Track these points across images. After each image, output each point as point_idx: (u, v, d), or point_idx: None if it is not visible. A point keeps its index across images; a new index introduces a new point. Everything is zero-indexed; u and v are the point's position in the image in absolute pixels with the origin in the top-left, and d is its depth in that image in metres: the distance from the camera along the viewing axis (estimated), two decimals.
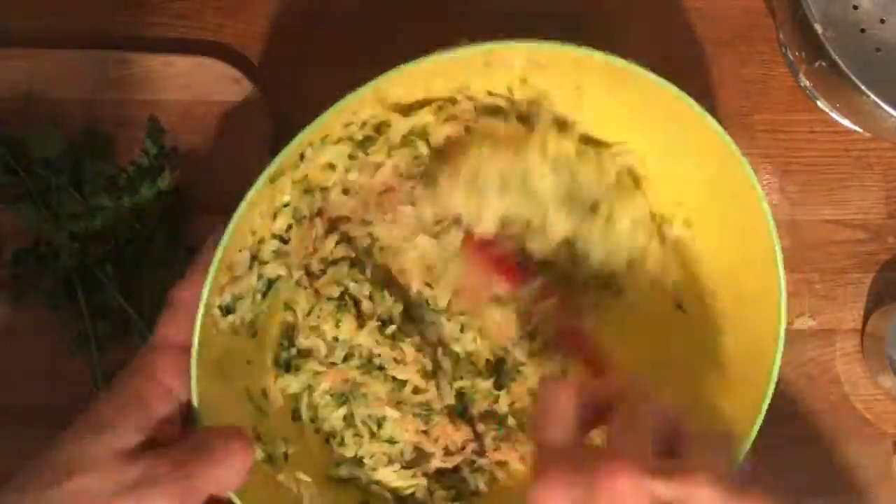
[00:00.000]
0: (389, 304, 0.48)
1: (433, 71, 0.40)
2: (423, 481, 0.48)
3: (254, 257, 0.43)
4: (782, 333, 0.41)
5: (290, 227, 0.45)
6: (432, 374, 0.49)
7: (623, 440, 0.33)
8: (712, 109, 0.58)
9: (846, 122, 0.58)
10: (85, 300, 0.50)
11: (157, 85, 0.54)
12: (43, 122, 0.52)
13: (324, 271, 0.47)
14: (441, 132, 0.46)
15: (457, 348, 0.50)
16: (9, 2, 0.56)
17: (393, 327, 0.48)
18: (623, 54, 0.41)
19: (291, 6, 0.58)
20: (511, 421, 0.50)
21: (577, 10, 0.58)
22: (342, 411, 0.47)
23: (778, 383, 0.40)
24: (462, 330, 0.50)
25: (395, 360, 0.48)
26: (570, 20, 0.58)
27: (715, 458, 0.32)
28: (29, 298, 0.51)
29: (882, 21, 0.58)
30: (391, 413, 0.47)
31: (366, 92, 0.37)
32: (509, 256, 0.46)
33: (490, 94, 0.45)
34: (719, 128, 0.41)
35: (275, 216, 0.44)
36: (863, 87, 0.49)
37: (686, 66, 0.58)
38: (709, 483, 0.30)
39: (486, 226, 0.45)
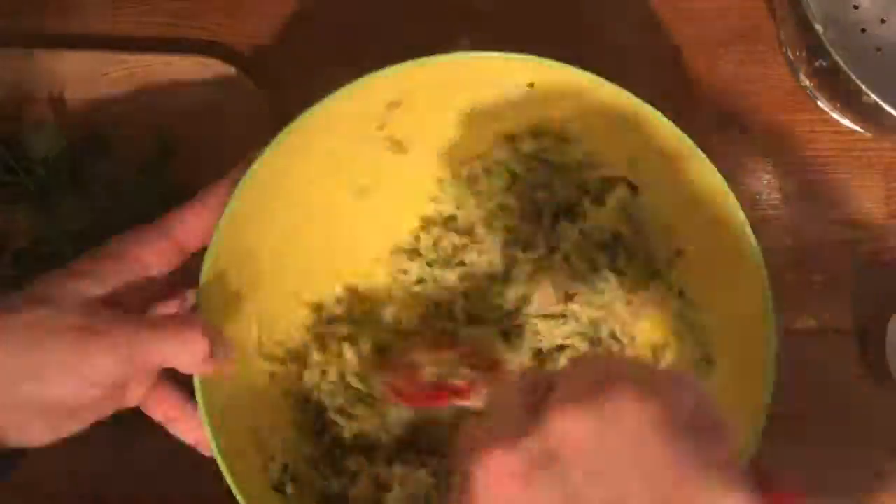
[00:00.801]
0: None
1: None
2: None
3: None
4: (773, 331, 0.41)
5: None
6: None
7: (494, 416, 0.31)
8: (712, 110, 0.58)
9: (846, 122, 0.58)
10: None
11: (157, 85, 0.54)
12: (43, 122, 0.52)
13: None
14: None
15: None
16: (9, 2, 0.56)
17: None
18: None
19: (291, 6, 0.58)
20: None
21: (576, 10, 0.58)
22: None
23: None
24: None
25: None
26: (567, 19, 0.58)
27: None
28: None
29: (882, 21, 0.58)
30: None
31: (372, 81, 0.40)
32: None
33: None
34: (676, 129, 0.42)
35: None
36: (863, 87, 0.49)
37: (686, 67, 0.58)
38: (564, 409, 0.27)
39: None
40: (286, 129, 0.41)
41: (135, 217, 0.51)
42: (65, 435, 0.37)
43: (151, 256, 0.39)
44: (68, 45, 0.55)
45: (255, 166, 0.41)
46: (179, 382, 0.41)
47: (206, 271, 0.40)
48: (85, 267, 0.38)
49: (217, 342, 0.38)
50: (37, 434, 0.36)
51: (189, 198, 0.51)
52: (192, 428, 0.40)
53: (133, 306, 0.39)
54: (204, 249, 0.41)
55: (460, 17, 0.58)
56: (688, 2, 0.59)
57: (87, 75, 0.54)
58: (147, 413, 0.41)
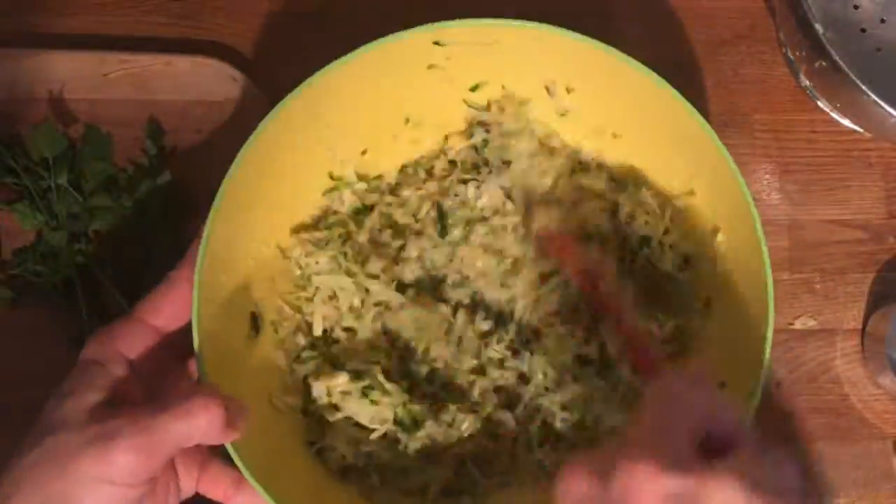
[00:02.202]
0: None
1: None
2: None
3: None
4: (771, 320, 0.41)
5: None
6: None
7: (646, 435, 0.33)
8: (712, 109, 0.58)
9: (846, 122, 0.58)
10: (85, 300, 0.50)
11: (157, 85, 0.54)
12: (43, 122, 0.52)
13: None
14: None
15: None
16: (9, 2, 0.56)
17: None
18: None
19: (291, 6, 0.58)
20: None
21: (577, 10, 0.58)
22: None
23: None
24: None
25: None
26: (569, 19, 0.58)
27: (750, 462, 0.32)
28: (29, 298, 0.51)
29: (882, 21, 0.58)
30: None
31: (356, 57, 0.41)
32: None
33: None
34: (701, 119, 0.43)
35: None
36: (863, 87, 0.49)
37: (686, 67, 0.58)
38: (725, 482, 0.30)
39: None
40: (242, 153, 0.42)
41: (135, 217, 0.51)
42: None
43: (135, 352, 0.40)
44: (68, 45, 0.55)
45: (222, 197, 0.41)
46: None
47: (197, 338, 0.40)
48: (76, 384, 0.38)
49: (231, 406, 0.38)
50: None
51: (189, 198, 0.52)
52: (253, 499, 0.40)
53: (129, 394, 0.39)
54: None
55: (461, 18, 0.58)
56: (688, 2, 0.59)
57: (87, 75, 0.54)
58: (208, 496, 0.41)
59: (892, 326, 0.53)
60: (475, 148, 0.50)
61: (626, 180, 0.50)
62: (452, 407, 0.46)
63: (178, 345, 0.41)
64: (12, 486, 0.35)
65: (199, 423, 0.36)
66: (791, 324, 0.56)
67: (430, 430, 0.46)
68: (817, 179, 0.58)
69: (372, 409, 0.45)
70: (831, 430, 0.55)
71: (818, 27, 0.50)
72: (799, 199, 0.58)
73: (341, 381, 0.45)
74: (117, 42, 0.56)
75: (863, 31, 0.58)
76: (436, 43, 0.43)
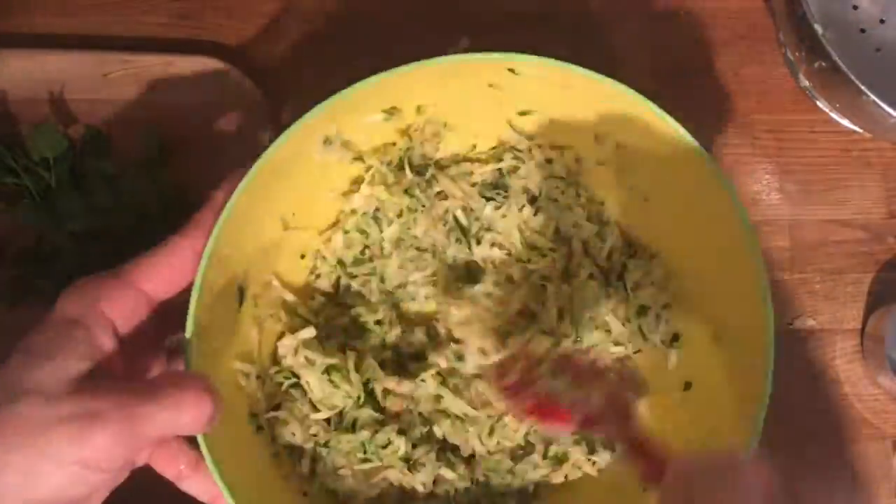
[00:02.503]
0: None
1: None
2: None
3: None
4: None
5: None
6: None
7: None
8: (712, 110, 0.58)
9: (846, 122, 0.58)
10: None
11: (158, 85, 0.54)
12: (43, 122, 0.52)
13: None
14: None
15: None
16: (9, 2, 0.56)
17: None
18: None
19: (291, 6, 0.58)
20: None
21: (577, 10, 0.58)
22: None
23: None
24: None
25: None
26: (569, 19, 0.58)
27: None
28: (29, 298, 0.51)
29: (882, 21, 0.58)
30: None
31: (369, 85, 0.39)
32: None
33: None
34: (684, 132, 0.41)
35: None
36: (862, 88, 0.49)
37: (686, 67, 0.58)
38: None
39: None
40: (272, 148, 0.40)
41: (135, 217, 0.51)
42: None
43: (120, 316, 0.36)
44: (68, 45, 0.55)
45: (241, 187, 0.39)
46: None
47: (193, 313, 0.37)
48: (55, 346, 0.34)
49: (215, 398, 0.35)
50: None
51: (189, 198, 0.52)
52: (205, 484, 0.38)
53: (110, 365, 0.35)
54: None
55: (460, 18, 0.58)
56: (688, 2, 0.59)
57: (87, 75, 0.54)
58: (158, 470, 0.38)
59: (892, 326, 0.53)
60: (500, 171, 0.50)
61: (640, 245, 0.49)
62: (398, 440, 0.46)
63: (160, 314, 0.38)
64: None
65: (187, 417, 0.34)
66: (790, 324, 0.56)
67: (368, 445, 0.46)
68: (817, 179, 0.58)
69: (327, 389, 0.45)
70: (831, 430, 0.55)
71: (818, 27, 0.50)
72: (799, 199, 0.58)
73: (307, 335, 0.44)
74: (117, 42, 0.56)
75: (862, 31, 0.58)
76: (510, 70, 0.43)
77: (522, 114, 0.47)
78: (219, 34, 0.57)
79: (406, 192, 0.48)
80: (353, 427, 0.46)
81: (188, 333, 0.37)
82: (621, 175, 0.48)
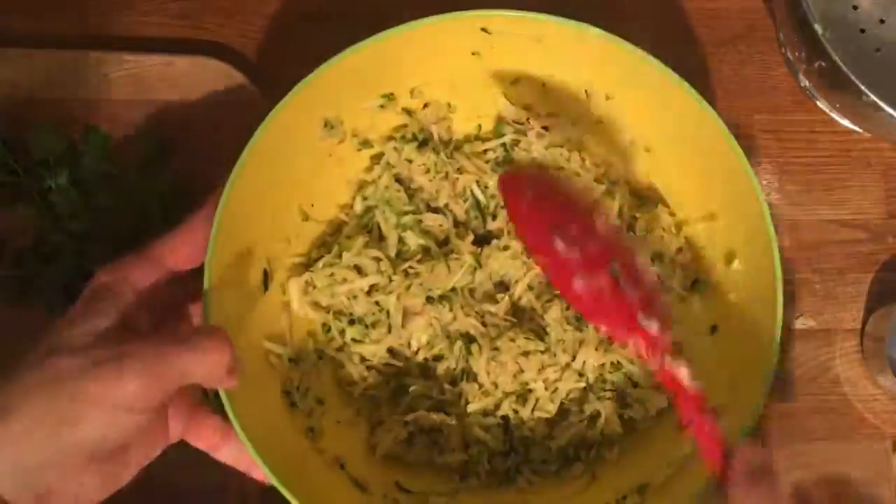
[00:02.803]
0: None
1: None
2: None
3: None
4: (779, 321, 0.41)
5: None
6: None
7: None
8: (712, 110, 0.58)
9: (846, 122, 0.58)
10: None
11: (157, 85, 0.54)
12: (43, 122, 0.52)
13: None
14: None
15: None
16: (9, 2, 0.56)
17: None
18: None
19: (291, 6, 0.58)
20: None
21: (577, 10, 0.58)
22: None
23: (778, 383, 0.40)
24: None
25: None
26: (569, 18, 0.58)
27: None
28: (29, 298, 0.51)
29: (882, 21, 0.58)
30: None
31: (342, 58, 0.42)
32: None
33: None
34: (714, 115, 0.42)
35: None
36: (862, 88, 0.49)
37: (686, 67, 0.58)
38: None
39: None
40: (274, 112, 0.42)
41: (135, 217, 0.51)
42: (119, 485, 0.36)
43: (145, 286, 0.39)
44: (68, 45, 0.55)
45: (244, 157, 0.41)
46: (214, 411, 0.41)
47: (208, 279, 0.40)
48: (82, 308, 0.37)
49: (234, 354, 0.37)
50: (91, 491, 0.35)
51: (189, 197, 0.52)
52: (238, 452, 0.40)
53: (139, 322, 0.38)
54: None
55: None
56: (688, 2, 0.59)
57: (87, 75, 0.54)
58: (192, 443, 0.40)
59: (892, 326, 0.53)
60: (504, 146, 0.50)
61: (646, 196, 0.50)
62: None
63: (185, 287, 0.41)
64: (8, 402, 0.33)
65: (208, 362, 0.36)
66: (791, 324, 0.56)
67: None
68: (817, 179, 0.58)
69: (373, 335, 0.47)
70: (831, 430, 0.55)
71: (818, 27, 0.50)
72: (799, 199, 0.58)
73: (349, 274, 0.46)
74: (117, 42, 0.56)
75: (862, 31, 0.58)
76: (483, 29, 0.43)
77: (513, 83, 0.48)
78: (219, 34, 0.57)
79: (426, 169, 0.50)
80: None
81: (206, 285, 0.40)
82: (620, 132, 0.48)
